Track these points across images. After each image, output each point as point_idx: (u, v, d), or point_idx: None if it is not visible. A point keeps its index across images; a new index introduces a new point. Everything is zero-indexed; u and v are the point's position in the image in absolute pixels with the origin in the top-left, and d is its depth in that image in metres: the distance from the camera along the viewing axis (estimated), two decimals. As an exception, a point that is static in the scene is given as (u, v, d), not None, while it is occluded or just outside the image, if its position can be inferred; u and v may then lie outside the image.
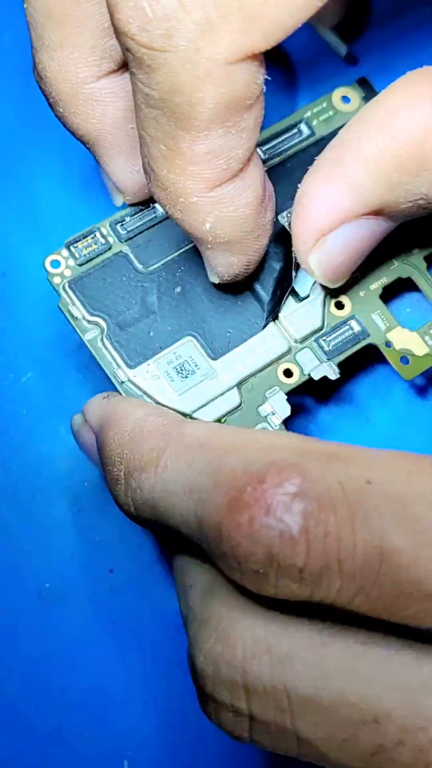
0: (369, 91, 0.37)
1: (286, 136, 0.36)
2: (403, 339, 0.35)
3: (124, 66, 0.31)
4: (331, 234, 0.30)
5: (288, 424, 0.34)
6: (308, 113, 0.36)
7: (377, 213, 0.30)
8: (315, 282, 0.34)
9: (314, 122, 0.36)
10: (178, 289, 0.34)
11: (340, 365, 0.34)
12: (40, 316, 0.38)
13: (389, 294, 0.36)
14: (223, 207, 0.29)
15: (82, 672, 0.36)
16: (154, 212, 0.34)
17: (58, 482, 0.34)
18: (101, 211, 0.37)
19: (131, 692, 0.36)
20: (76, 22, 0.30)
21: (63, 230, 0.36)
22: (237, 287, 0.34)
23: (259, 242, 0.31)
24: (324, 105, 0.37)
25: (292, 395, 0.34)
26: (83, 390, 0.37)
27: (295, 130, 0.36)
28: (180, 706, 0.36)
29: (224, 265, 0.31)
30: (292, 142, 0.36)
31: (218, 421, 0.33)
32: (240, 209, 0.29)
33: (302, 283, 0.34)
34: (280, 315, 0.34)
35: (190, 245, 0.34)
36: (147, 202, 0.34)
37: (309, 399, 0.36)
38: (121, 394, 0.33)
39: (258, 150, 0.35)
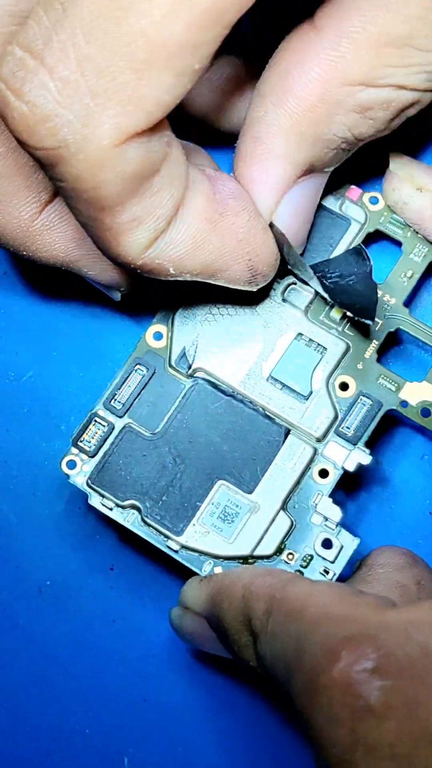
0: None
1: None
2: (416, 392, 0.35)
3: None
4: (278, 208, 0.32)
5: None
6: None
7: (309, 171, 0.32)
8: (312, 375, 0.35)
9: None
10: (189, 441, 0.34)
11: (366, 444, 0.34)
12: (41, 315, 0.38)
13: (384, 354, 0.36)
14: (172, 253, 0.29)
15: (83, 669, 0.36)
16: (141, 373, 0.35)
17: (58, 480, 0.34)
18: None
19: (131, 690, 0.36)
20: (2, 173, 0.32)
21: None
22: (242, 415, 0.34)
23: (244, 248, 0.31)
24: None
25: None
26: (83, 389, 0.37)
27: None
28: (180, 704, 0.36)
29: (233, 282, 0.32)
30: None
31: (279, 547, 0.33)
32: (188, 245, 0.29)
33: (302, 383, 0.34)
34: (294, 421, 0.34)
35: (186, 391, 0.35)
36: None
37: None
38: (184, 563, 0.33)
39: None
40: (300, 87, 0.30)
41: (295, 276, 0.35)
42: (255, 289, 0.33)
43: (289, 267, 0.34)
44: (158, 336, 0.35)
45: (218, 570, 0.33)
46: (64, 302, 0.38)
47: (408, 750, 0.23)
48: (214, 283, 0.32)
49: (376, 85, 0.30)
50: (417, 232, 0.36)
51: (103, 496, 0.34)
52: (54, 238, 0.33)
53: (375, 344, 0.35)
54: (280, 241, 0.33)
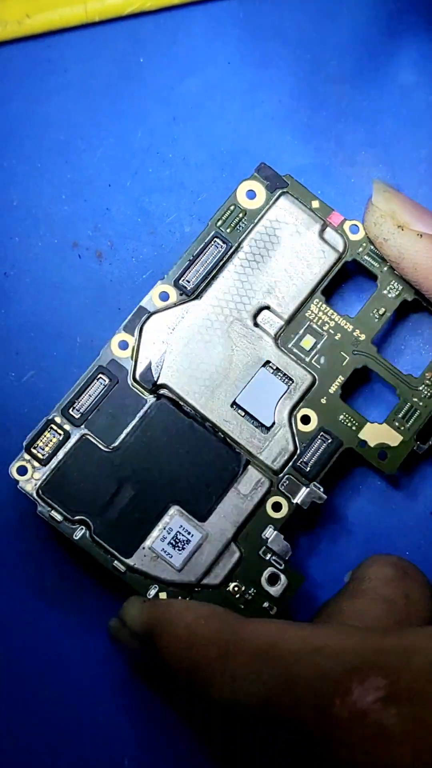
0: (272, 178, 0.36)
1: (204, 258, 0.35)
2: (375, 434, 0.35)
3: None
4: None
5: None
6: (218, 223, 0.35)
7: None
8: (276, 406, 0.34)
9: (227, 231, 0.35)
10: (147, 459, 0.33)
11: (322, 481, 0.34)
12: (41, 316, 0.37)
13: (349, 390, 0.36)
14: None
15: (83, 670, 0.36)
16: (103, 383, 0.34)
17: None
18: (101, 211, 0.38)
19: (132, 689, 0.36)
20: None
21: (64, 229, 0.38)
22: (203, 439, 0.34)
23: None
24: (231, 208, 0.35)
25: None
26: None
27: (212, 248, 0.35)
28: None
29: None
30: (214, 261, 0.35)
31: (226, 578, 0.33)
32: None
33: (265, 413, 0.34)
34: (254, 451, 0.34)
35: (148, 408, 0.34)
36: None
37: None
38: (129, 584, 0.33)
39: (182, 283, 0.35)
40: None
41: None
42: None
43: None
44: (124, 345, 0.34)
45: (163, 596, 0.33)
46: (63, 302, 0.37)
47: None
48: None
49: None
50: (393, 269, 0.36)
51: (52, 507, 0.33)
52: None
53: (340, 380, 0.35)
54: None
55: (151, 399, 0.34)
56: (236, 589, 0.33)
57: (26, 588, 0.36)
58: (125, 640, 0.33)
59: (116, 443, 0.33)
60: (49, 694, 0.36)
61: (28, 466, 0.33)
